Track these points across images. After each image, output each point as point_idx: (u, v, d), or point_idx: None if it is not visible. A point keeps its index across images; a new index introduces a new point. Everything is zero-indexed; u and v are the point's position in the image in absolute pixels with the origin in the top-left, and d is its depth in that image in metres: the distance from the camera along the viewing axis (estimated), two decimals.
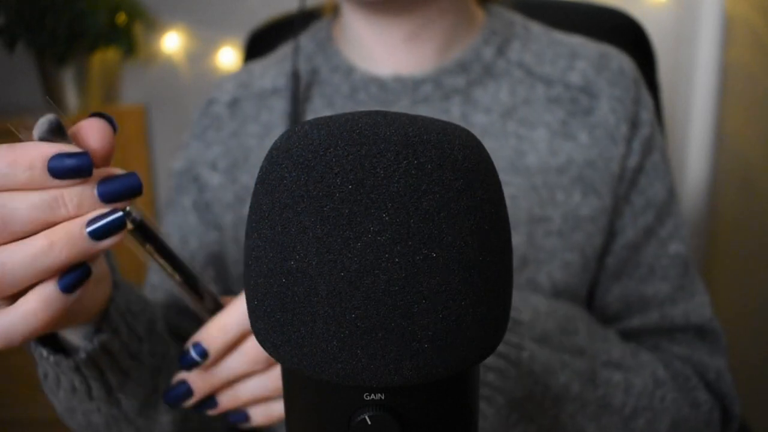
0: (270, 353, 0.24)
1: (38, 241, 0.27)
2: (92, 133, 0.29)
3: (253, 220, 0.23)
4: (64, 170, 0.27)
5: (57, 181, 0.27)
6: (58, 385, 0.37)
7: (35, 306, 0.28)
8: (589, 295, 0.59)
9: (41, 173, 0.27)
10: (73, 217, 0.28)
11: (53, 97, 1.54)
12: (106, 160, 0.30)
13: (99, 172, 0.28)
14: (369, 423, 0.23)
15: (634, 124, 0.56)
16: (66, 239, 0.27)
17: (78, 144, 0.28)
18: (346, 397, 0.23)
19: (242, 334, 0.37)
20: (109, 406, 0.39)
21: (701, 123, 1.38)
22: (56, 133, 0.28)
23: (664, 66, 0.91)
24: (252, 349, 0.37)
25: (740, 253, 1.26)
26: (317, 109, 0.58)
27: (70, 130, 0.29)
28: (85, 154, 0.27)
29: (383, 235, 0.21)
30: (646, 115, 0.57)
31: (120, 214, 0.28)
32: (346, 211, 0.21)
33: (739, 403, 0.56)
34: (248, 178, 0.58)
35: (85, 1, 1.43)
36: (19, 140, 0.28)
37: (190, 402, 0.38)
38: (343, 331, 0.21)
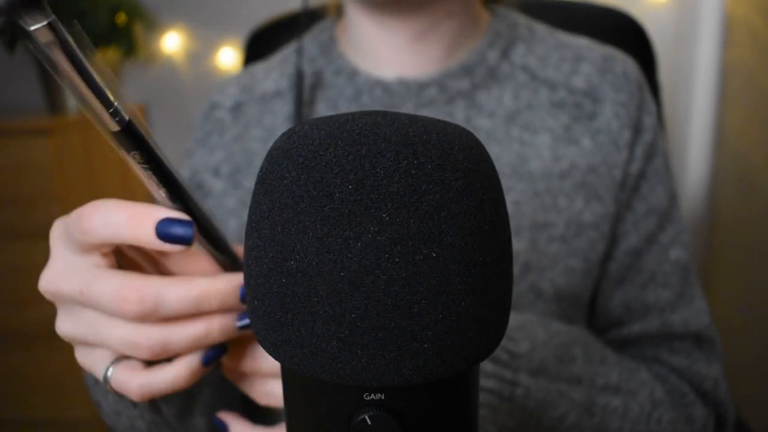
0: (270, 353, 0.24)
1: (198, 328, 0.32)
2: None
3: (253, 220, 0.23)
4: (171, 237, 0.30)
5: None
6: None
7: (184, 373, 0.33)
8: (592, 300, 0.58)
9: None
10: (216, 311, 0.32)
11: (53, 97, 1.54)
12: None
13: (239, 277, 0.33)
14: (369, 423, 0.23)
15: (637, 130, 0.56)
16: (220, 330, 0.33)
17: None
18: (346, 397, 0.23)
19: None
20: (152, 413, 0.40)
21: (701, 123, 1.38)
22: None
23: (664, 66, 0.91)
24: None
25: (740, 253, 1.26)
26: (321, 112, 0.57)
27: None
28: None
29: (383, 235, 0.21)
30: (649, 120, 0.57)
31: None
32: (346, 211, 0.21)
33: (734, 408, 0.56)
34: (251, 183, 0.57)
35: (85, 1, 1.43)
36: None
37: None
38: (343, 331, 0.21)
